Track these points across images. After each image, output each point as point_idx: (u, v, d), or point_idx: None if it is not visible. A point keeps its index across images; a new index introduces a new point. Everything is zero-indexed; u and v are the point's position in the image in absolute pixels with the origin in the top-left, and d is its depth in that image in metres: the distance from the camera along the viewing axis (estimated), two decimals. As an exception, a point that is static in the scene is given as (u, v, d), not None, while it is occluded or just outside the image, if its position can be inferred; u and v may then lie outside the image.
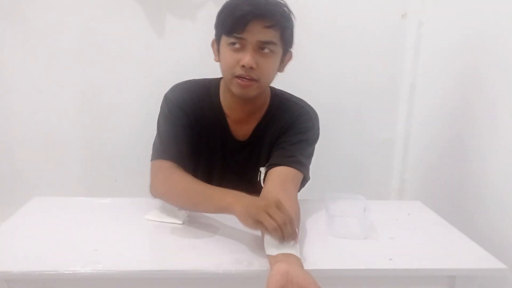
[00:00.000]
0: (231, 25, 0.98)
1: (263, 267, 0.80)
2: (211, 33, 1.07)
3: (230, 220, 1.01)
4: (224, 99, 1.14)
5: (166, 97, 1.13)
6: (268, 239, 0.82)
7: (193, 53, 1.60)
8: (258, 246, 0.87)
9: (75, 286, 0.83)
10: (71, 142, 1.70)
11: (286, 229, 0.79)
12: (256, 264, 0.82)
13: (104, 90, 1.67)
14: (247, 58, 0.98)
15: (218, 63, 1.09)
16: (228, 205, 0.87)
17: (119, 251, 0.86)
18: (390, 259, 0.86)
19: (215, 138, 1.14)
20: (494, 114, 1.19)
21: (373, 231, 0.99)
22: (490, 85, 1.21)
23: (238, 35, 0.98)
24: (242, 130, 1.15)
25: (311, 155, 1.13)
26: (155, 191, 1.04)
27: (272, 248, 0.79)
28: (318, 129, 1.16)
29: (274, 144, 1.12)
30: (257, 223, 0.81)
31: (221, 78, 1.14)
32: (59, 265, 0.79)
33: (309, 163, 1.12)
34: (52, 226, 0.95)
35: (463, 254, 0.91)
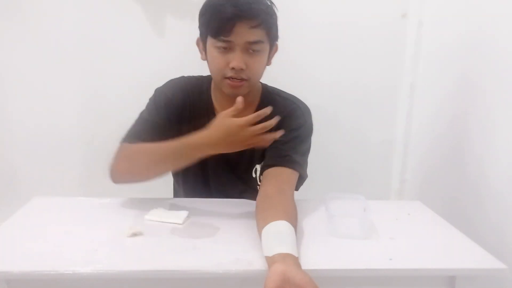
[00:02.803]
0: (217, 28, 0.98)
1: (263, 267, 0.79)
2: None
3: (230, 220, 1.02)
4: (215, 95, 1.15)
5: (156, 90, 1.15)
6: (264, 240, 0.82)
7: (193, 53, 1.59)
8: (258, 246, 0.87)
9: (75, 286, 0.83)
10: (71, 142, 1.70)
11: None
12: (256, 264, 0.82)
13: (104, 90, 1.67)
14: (236, 60, 0.98)
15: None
16: (195, 145, 0.90)
17: (119, 251, 0.86)
18: (390, 259, 0.86)
19: None
20: (494, 114, 1.19)
21: (373, 231, 0.99)
22: (490, 86, 1.21)
23: (225, 38, 0.98)
24: None
25: (306, 151, 1.13)
26: (116, 172, 1.04)
27: (269, 249, 0.79)
28: (311, 124, 1.15)
29: None
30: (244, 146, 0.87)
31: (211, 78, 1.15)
32: (59, 265, 0.79)
33: (305, 160, 1.12)
34: (52, 226, 0.95)
35: (463, 254, 0.91)
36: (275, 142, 1.08)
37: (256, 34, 0.98)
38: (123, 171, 1.03)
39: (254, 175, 1.17)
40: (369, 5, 1.66)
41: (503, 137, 1.14)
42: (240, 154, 1.15)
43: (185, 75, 1.21)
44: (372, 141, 1.80)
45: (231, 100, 1.09)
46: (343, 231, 0.96)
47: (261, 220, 0.89)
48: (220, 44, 0.99)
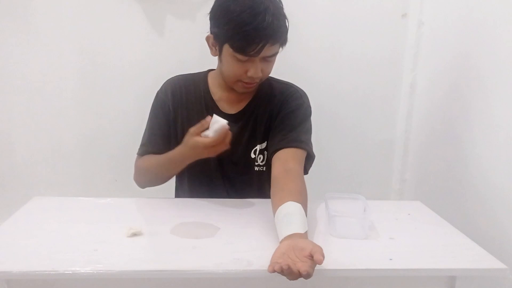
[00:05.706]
0: (243, 47, 1.00)
1: (263, 267, 0.79)
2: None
3: (230, 220, 1.02)
4: (215, 85, 1.19)
5: (155, 94, 1.22)
6: (277, 226, 0.89)
7: (193, 53, 1.60)
8: (258, 246, 0.88)
9: (75, 286, 0.83)
10: (71, 142, 1.70)
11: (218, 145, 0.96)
12: (256, 264, 0.82)
13: (104, 90, 1.67)
14: (255, 71, 1.05)
15: (215, 59, 1.13)
16: (176, 160, 1.07)
17: (119, 251, 0.86)
18: (390, 259, 0.86)
19: (202, 115, 1.15)
20: (494, 114, 1.19)
21: (373, 231, 0.99)
22: (490, 85, 1.21)
23: (249, 56, 1.02)
24: (231, 107, 1.19)
25: (309, 130, 1.17)
26: (137, 182, 1.21)
27: (280, 234, 0.86)
28: (309, 106, 1.19)
29: (268, 122, 1.17)
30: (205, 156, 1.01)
31: (209, 70, 1.23)
32: (59, 265, 0.79)
33: (309, 139, 1.15)
34: (52, 226, 0.95)
35: (463, 254, 0.91)
36: (278, 126, 1.14)
37: (275, 49, 1.05)
38: (141, 181, 1.20)
39: (253, 156, 1.19)
40: (369, 5, 1.65)
41: (503, 136, 1.14)
42: (240, 135, 1.18)
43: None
44: (372, 141, 1.80)
45: (233, 90, 1.15)
46: (343, 231, 0.96)
47: (273, 206, 0.96)
48: (242, 58, 1.03)
